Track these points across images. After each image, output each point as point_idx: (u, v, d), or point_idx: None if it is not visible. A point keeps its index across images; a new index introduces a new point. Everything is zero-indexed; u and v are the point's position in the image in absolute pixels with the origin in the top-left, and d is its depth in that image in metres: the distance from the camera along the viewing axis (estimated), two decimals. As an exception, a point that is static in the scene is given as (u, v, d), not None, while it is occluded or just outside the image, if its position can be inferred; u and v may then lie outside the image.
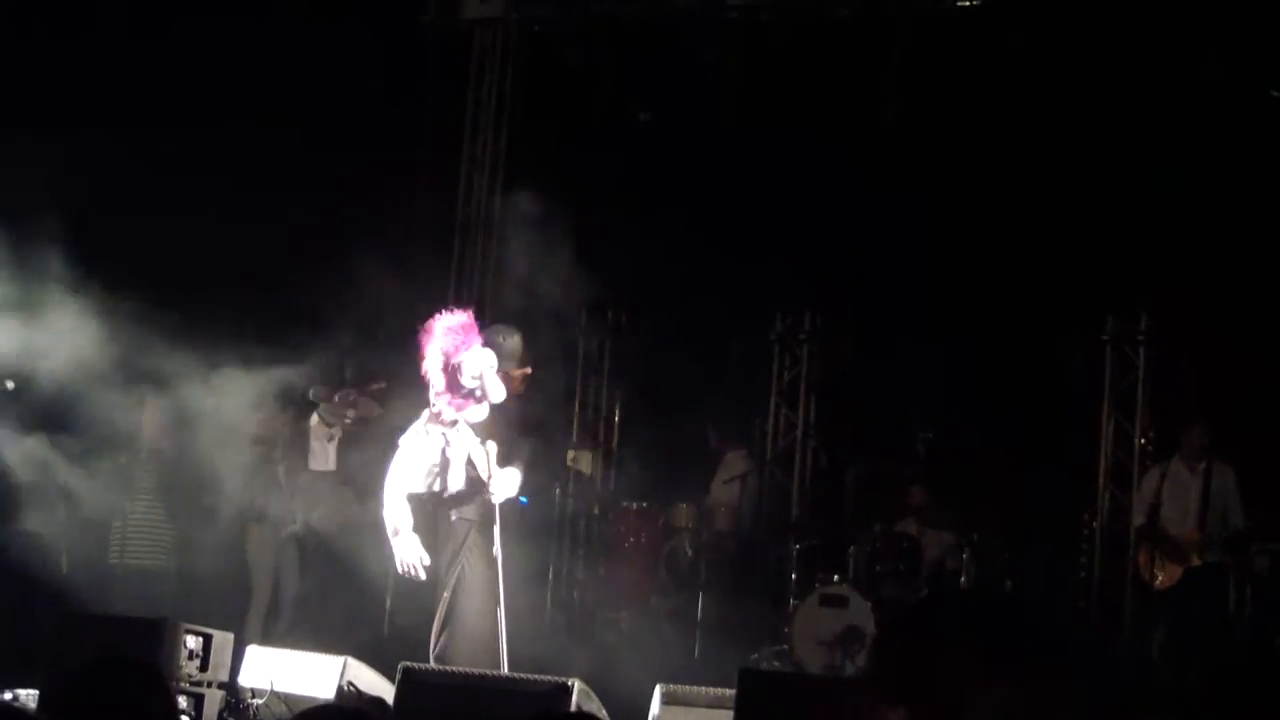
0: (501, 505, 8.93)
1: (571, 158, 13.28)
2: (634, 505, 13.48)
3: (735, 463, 13.81)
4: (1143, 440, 13.21)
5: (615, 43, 13.57)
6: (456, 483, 9.06)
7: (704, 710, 8.18)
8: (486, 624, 8.91)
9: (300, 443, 11.76)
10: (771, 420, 14.37)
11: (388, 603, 11.97)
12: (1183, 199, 12.38)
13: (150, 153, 11.83)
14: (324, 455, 11.82)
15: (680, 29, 13.46)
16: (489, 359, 8.88)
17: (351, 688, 8.37)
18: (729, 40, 13.33)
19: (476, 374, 8.81)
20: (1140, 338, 13.26)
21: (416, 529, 8.98)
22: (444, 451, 9.00)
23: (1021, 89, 12.56)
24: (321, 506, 11.67)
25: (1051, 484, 12.89)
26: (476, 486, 9.07)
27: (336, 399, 11.69)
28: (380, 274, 10.79)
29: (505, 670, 8.53)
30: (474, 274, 14.15)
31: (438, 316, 8.95)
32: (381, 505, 9.11)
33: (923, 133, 12.88)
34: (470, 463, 9.05)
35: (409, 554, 8.80)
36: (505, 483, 8.98)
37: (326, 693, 8.34)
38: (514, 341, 9.41)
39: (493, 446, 9.03)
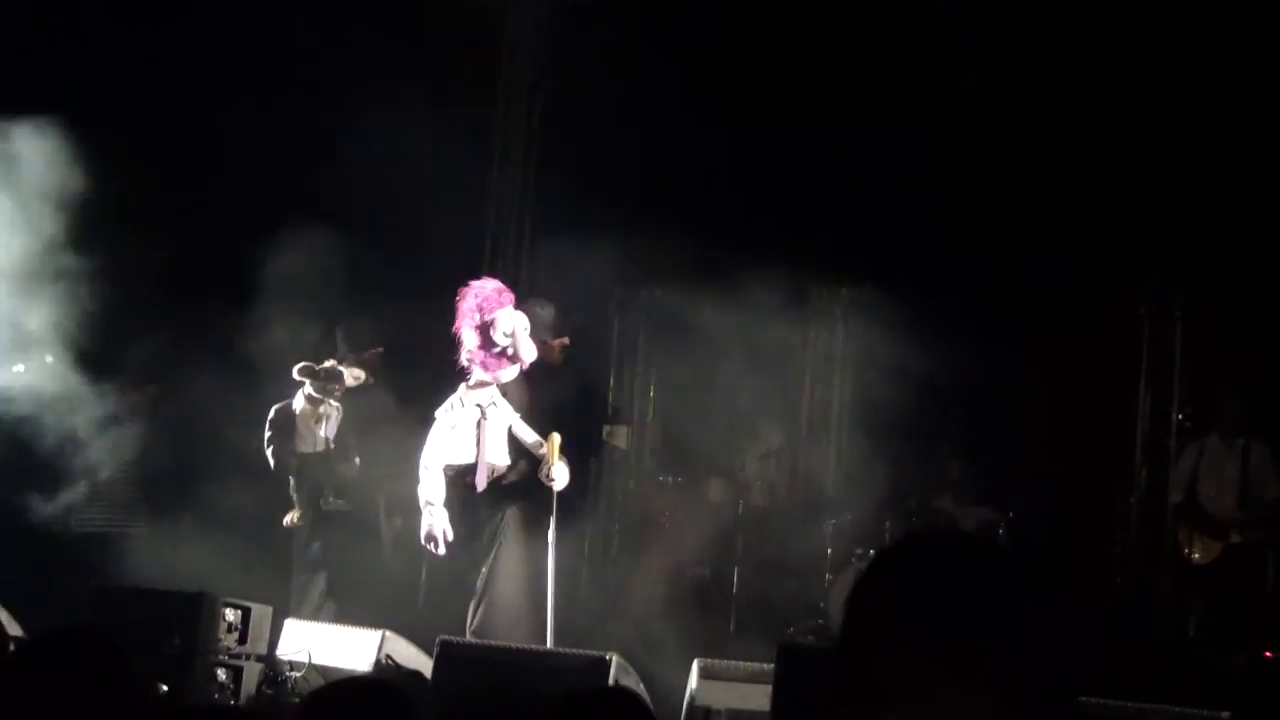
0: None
1: (606, 132, 13.24)
2: (669, 480, 13.49)
3: (770, 437, 13.80)
4: (1179, 416, 13.15)
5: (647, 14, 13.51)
6: (497, 456, 9.10)
7: (742, 685, 8.19)
8: (526, 601, 8.95)
9: (287, 427, 11.13)
10: (806, 396, 14.36)
11: (423, 577, 11.97)
12: (1222, 174, 12.29)
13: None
14: (311, 438, 11.11)
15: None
16: (521, 320, 8.94)
17: (389, 661, 8.40)
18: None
19: (509, 331, 8.87)
20: (1177, 313, 13.19)
21: (450, 503, 9.02)
22: (479, 424, 9.03)
23: (1065, 52, 12.47)
24: (324, 489, 11.22)
25: (1087, 461, 12.84)
26: (524, 461, 9.11)
27: (321, 369, 11.02)
28: (396, 243, 10.73)
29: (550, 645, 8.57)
30: (507, 251, 14.14)
31: (472, 283, 9.05)
32: (416, 478, 9.15)
33: (963, 100, 12.79)
34: (513, 437, 9.08)
35: (436, 527, 8.89)
36: (563, 472, 9.03)
37: (364, 666, 8.37)
38: (548, 313, 9.53)
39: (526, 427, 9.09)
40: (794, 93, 13.17)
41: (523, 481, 9.16)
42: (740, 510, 13.31)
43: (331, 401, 10.97)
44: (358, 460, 11.07)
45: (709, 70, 13.14)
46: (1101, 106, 12.50)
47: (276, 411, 11.03)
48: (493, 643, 8.47)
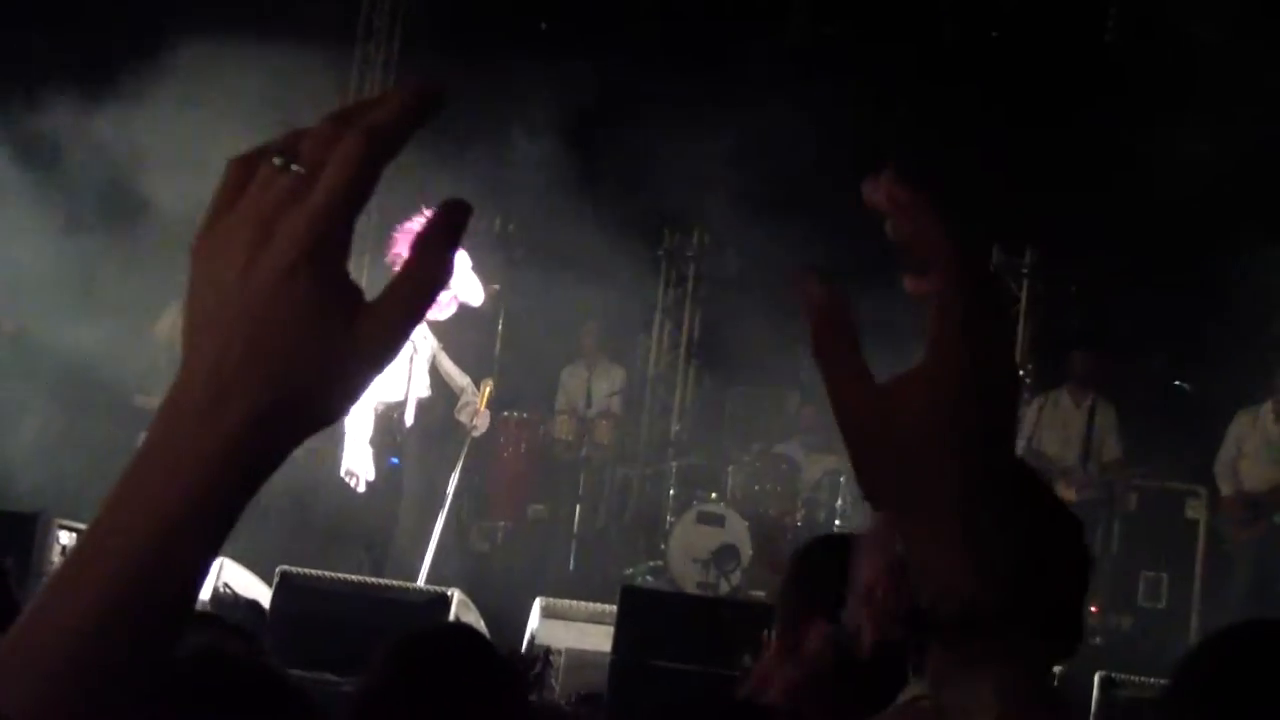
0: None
1: (467, 64, 13.08)
2: (514, 415, 13.40)
3: (613, 374, 13.74)
4: (1021, 373, 13.35)
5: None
6: (422, 390, 9.06)
7: (582, 624, 8.22)
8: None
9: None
10: (655, 337, 14.35)
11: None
12: (1070, 137, 12.45)
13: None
14: None
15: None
16: (462, 258, 8.84)
17: (227, 589, 8.28)
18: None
19: None
20: (1024, 270, 13.39)
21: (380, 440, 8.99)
22: (410, 358, 8.98)
23: (917, 18, 12.57)
24: None
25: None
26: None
27: None
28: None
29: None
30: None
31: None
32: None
33: (818, 48, 12.81)
34: (435, 370, 9.06)
35: (358, 464, 8.90)
36: (485, 420, 9.08)
37: (202, 594, 8.24)
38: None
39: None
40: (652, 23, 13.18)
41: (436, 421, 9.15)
42: (584, 449, 13.29)
43: None
44: None
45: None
46: (957, 62, 12.60)
47: None
48: (333, 574, 8.39)
